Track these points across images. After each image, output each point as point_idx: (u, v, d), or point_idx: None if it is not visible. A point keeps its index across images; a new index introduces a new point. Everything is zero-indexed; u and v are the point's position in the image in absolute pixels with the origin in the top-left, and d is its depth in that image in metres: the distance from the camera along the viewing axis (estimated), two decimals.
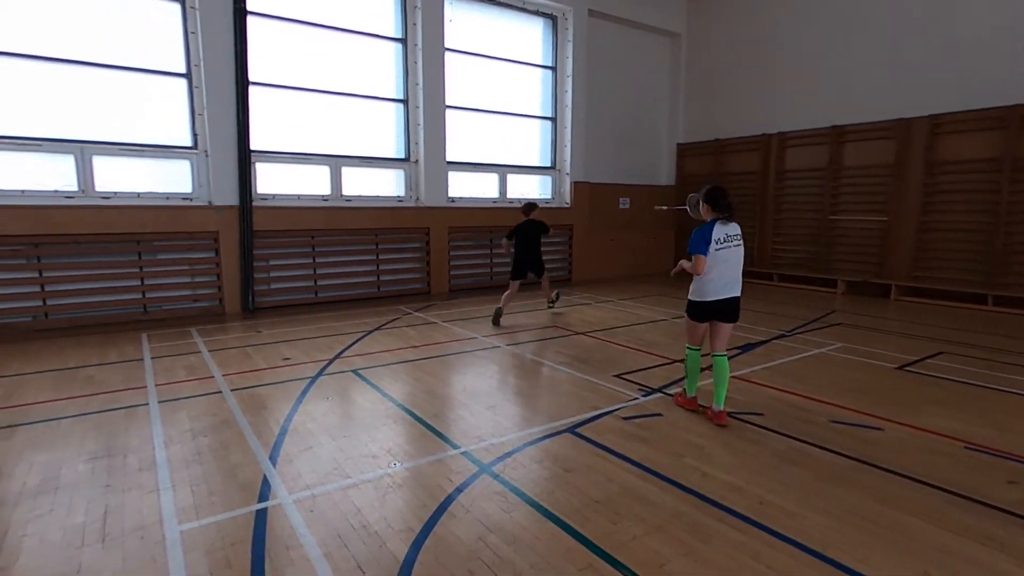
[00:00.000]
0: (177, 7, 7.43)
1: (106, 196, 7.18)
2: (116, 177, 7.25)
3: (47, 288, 6.90)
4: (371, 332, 6.81)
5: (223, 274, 7.91)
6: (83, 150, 7.03)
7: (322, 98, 8.69)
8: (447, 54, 9.56)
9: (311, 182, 8.73)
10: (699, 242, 3.89)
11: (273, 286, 8.45)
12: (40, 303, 6.87)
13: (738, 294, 4.01)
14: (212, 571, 2.34)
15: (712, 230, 3.88)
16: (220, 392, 4.59)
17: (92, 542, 2.55)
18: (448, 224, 9.86)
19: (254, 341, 6.38)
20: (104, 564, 2.39)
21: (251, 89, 7.88)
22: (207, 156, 7.74)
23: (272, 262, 8.38)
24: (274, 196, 8.38)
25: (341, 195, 8.97)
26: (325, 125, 8.77)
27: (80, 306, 7.09)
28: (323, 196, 8.82)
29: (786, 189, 11.25)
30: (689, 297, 4.07)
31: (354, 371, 5.18)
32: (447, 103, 9.65)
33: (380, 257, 9.35)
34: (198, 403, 4.34)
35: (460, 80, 9.93)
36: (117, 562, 2.41)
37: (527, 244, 7.46)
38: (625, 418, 4.05)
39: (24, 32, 6.62)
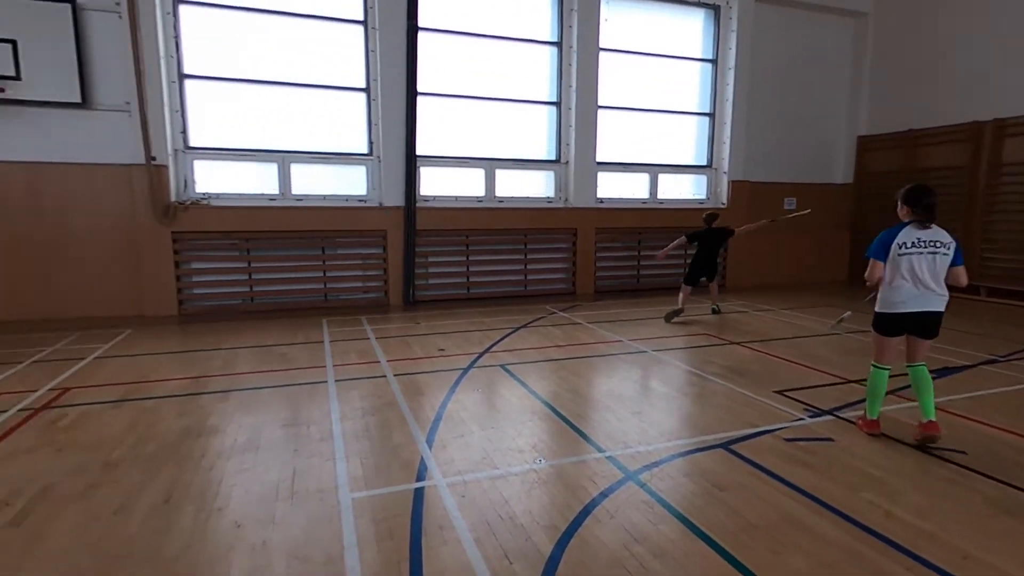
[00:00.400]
0: (360, 29, 8.32)
1: (299, 198, 8.29)
2: (307, 182, 8.35)
3: (253, 276, 8.16)
4: (518, 329, 7.01)
5: (389, 269, 8.72)
6: (284, 159, 8.19)
7: (478, 103, 9.13)
8: (601, 54, 9.50)
9: (467, 184, 9.23)
10: (877, 244, 3.51)
11: (431, 281, 9.10)
12: (248, 289, 8.15)
13: (939, 309, 3.49)
14: (377, 539, 2.58)
15: (898, 233, 3.45)
16: (385, 376, 5.05)
17: (283, 498, 2.95)
18: (595, 225, 9.80)
19: (413, 331, 6.92)
20: (292, 519, 2.75)
21: (418, 99, 8.54)
22: (380, 162, 8.56)
23: (431, 259, 9.03)
24: (434, 198, 9.01)
25: (494, 196, 9.36)
26: (481, 129, 9.21)
27: (277, 292, 8.28)
28: (478, 197, 9.28)
29: (1002, 187, 9.41)
30: (876, 308, 3.64)
31: (502, 366, 5.37)
32: (599, 103, 9.60)
33: (528, 257, 9.60)
34: (366, 384, 4.81)
35: (612, 78, 9.80)
36: (302, 518, 2.75)
37: (708, 252, 7.61)
38: (787, 439, 3.69)
39: (238, 60, 7.89)
